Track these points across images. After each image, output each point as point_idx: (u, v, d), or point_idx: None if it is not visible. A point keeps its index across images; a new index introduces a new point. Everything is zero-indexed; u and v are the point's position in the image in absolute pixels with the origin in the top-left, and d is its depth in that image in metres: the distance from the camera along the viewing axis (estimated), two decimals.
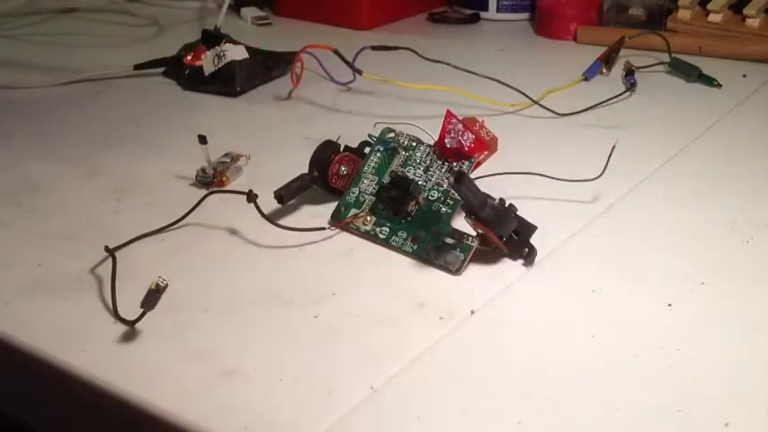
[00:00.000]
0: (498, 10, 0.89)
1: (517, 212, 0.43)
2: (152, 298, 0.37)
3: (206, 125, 0.57)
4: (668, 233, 0.48)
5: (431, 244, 0.45)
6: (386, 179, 0.48)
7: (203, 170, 0.51)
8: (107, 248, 0.44)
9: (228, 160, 0.53)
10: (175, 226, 0.47)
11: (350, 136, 0.51)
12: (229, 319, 0.40)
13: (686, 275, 0.43)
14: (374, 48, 0.66)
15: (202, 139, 0.50)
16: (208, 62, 0.68)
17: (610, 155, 0.48)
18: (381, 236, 0.46)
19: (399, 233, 0.46)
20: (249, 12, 0.89)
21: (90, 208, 0.50)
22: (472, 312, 0.40)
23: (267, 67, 0.70)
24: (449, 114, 0.46)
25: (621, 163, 0.49)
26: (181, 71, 0.70)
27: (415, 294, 0.42)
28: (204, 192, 0.50)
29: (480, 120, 0.48)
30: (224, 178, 0.52)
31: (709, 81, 0.70)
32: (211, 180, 0.51)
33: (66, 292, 0.42)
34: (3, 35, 0.85)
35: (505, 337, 0.39)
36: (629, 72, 0.70)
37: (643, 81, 0.69)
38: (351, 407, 0.34)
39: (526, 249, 0.44)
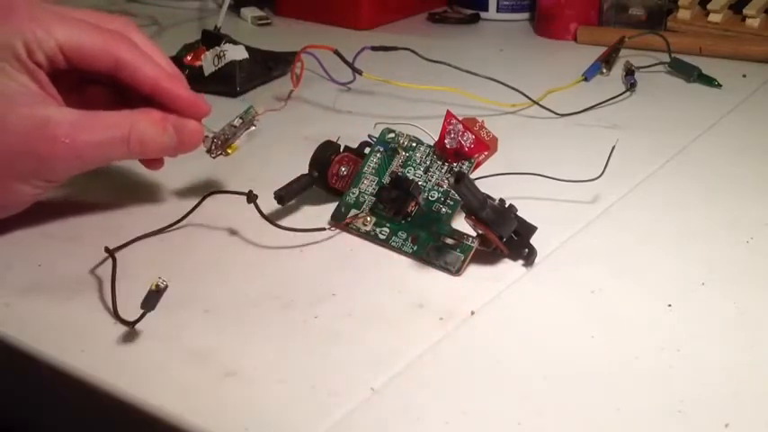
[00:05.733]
0: (498, 10, 0.89)
1: (517, 213, 0.43)
2: (152, 299, 0.37)
3: (205, 125, 0.57)
4: (668, 233, 0.48)
5: (431, 244, 0.45)
6: (386, 180, 0.48)
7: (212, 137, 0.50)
8: (107, 249, 0.44)
9: (239, 123, 0.50)
10: (175, 226, 0.47)
11: (350, 136, 0.51)
12: (229, 319, 0.40)
13: (686, 275, 0.43)
14: (374, 48, 0.66)
15: None
16: (208, 62, 0.68)
17: (610, 155, 0.48)
18: (381, 236, 0.46)
19: (399, 234, 0.46)
20: (249, 12, 0.89)
21: (90, 208, 0.50)
22: (472, 313, 0.40)
23: (267, 67, 0.70)
24: (449, 115, 0.46)
25: (621, 163, 0.49)
26: (181, 71, 0.70)
27: (415, 295, 0.42)
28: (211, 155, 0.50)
29: (480, 120, 0.48)
30: (228, 149, 0.50)
31: (709, 81, 0.70)
32: (210, 148, 0.50)
33: (66, 293, 0.42)
34: None
35: (505, 338, 0.39)
36: (629, 72, 0.70)
37: (643, 81, 0.69)
38: (351, 407, 0.34)
39: (526, 250, 0.44)
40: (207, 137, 0.50)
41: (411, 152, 0.48)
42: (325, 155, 0.49)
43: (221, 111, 0.51)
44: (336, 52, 0.63)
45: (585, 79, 0.71)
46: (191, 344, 0.38)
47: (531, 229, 0.44)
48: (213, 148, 0.50)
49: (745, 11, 0.79)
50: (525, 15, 0.89)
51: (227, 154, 0.50)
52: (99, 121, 0.44)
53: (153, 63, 0.46)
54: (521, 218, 0.44)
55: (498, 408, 0.34)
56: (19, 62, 0.42)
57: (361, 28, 0.85)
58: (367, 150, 0.50)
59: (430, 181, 0.47)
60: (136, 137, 0.45)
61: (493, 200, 0.42)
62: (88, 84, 0.47)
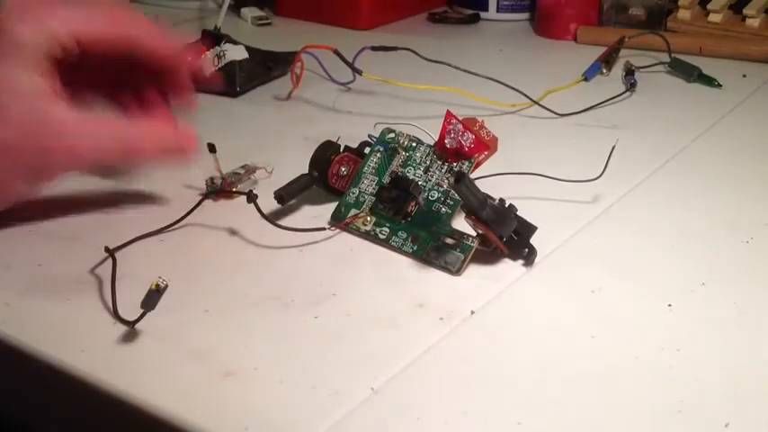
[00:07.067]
0: (498, 10, 0.89)
1: (517, 213, 0.43)
2: (152, 298, 0.37)
3: (205, 126, 0.57)
4: (668, 233, 0.48)
5: (431, 244, 0.45)
6: (386, 179, 0.48)
7: (212, 180, 0.50)
8: (107, 249, 0.44)
9: (243, 172, 0.51)
10: (175, 226, 0.47)
11: (350, 136, 0.51)
12: (229, 319, 0.40)
13: (686, 275, 0.43)
14: (374, 48, 0.66)
15: (211, 148, 0.49)
16: (207, 62, 0.68)
17: (610, 155, 0.48)
18: (381, 236, 0.46)
19: (399, 233, 0.46)
20: (249, 12, 0.89)
21: (90, 208, 0.50)
22: (472, 313, 0.40)
23: (267, 67, 0.70)
24: (449, 115, 0.46)
25: (621, 163, 0.49)
26: None
27: (415, 294, 0.42)
28: (211, 199, 0.49)
29: (480, 120, 0.48)
30: (233, 190, 0.50)
31: (709, 81, 0.70)
32: (218, 189, 0.50)
33: (66, 293, 0.42)
34: None
35: (505, 338, 0.39)
36: (629, 72, 0.70)
37: (643, 81, 0.69)
38: (351, 407, 0.34)
39: (526, 250, 0.44)
40: (210, 178, 0.50)
41: (411, 152, 0.48)
42: (325, 155, 0.49)
43: (222, 110, 0.51)
44: (336, 52, 0.63)
45: (585, 79, 0.71)
46: (191, 344, 0.38)
47: (531, 229, 0.44)
48: (216, 190, 0.50)
49: (745, 11, 0.79)
50: (525, 15, 0.89)
51: (231, 198, 0.50)
52: (101, 124, 0.45)
53: (158, 33, 0.47)
54: (521, 218, 0.44)
55: (498, 408, 0.34)
56: (35, 59, 0.43)
57: (361, 28, 0.85)
58: (367, 150, 0.50)
59: (430, 181, 0.47)
60: (135, 143, 0.46)
61: (493, 200, 0.42)
62: (87, 87, 0.47)
